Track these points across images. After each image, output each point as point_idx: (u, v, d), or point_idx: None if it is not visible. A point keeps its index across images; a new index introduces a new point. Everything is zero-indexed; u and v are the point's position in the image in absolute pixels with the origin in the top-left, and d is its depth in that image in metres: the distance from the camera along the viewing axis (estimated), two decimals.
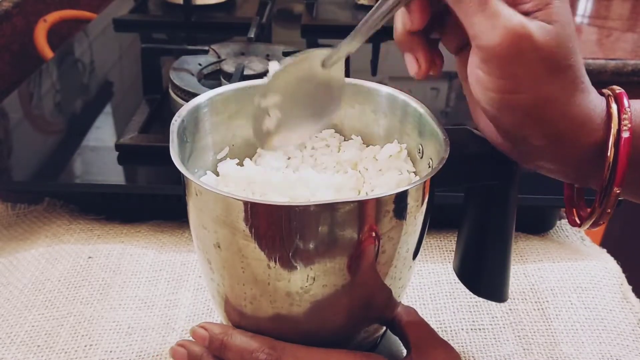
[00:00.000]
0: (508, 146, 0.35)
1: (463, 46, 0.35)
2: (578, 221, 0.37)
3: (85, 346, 0.47)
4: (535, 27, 0.30)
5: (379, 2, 0.32)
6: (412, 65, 0.35)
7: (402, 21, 0.34)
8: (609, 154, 0.32)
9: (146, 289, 0.53)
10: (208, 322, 0.39)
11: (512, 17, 0.29)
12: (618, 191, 0.32)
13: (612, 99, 0.33)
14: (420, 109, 0.39)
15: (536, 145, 0.32)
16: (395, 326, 0.41)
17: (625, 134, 0.31)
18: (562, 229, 0.64)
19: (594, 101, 0.32)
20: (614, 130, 0.32)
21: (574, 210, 0.37)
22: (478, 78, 0.31)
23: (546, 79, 0.30)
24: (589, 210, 0.35)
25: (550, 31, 0.30)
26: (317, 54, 0.36)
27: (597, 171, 0.33)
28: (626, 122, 0.32)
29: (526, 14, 0.30)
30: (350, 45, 0.34)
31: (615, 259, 0.58)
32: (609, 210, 0.33)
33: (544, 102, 0.31)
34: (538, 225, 0.63)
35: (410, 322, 0.41)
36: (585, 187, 0.37)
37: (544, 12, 0.30)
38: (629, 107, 0.32)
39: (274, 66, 0.36)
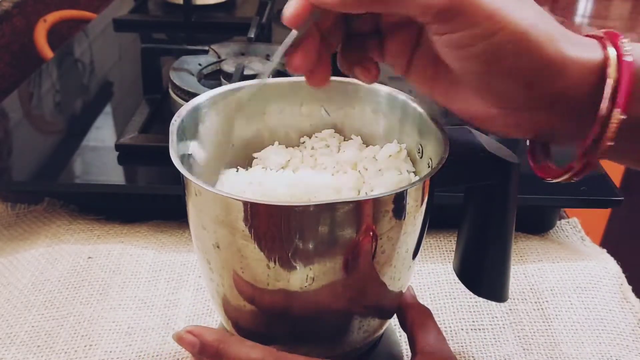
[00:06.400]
0: (497, 121, 0.32)
1: (410, 58, 0.35)
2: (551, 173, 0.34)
3: (85, 346, 0.47)
4: None
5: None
6: (364, 74, 0.35)
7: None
8: (609, 70, 0.29)
9: (146, 289, 0.53)
10: (197, 325, 0.35)
11: None
12: (622, 116, 0.29)
13: (606, 41, 0.31)
14: (420, 108, 0.39)
15: (530, 96, 0.30)
16: (406, 326, 0.41)
17: (629, 58, 0.29)
18: (562, 229, 0.64)
19: (574, 38, 0.31)
20: (613, 54, 0.30)
21: (542, 163, 0.35)
22: (456, 42, 0.29)
23: (517, 6, 0.29)
24: (556, 168, 0.33)
25: None
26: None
27: (593, 115, 0.30)
28: (628, 47, 0.30)
29: None
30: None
31: (615, 259, 0.58)
32: (605, 147, 0.30)
33: (524, 32, 0.29)
34: (538, 225, 0.63)
35: (421, 326, 0.40)
36: (579, 138, 0.32)
37: None
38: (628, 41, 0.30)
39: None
